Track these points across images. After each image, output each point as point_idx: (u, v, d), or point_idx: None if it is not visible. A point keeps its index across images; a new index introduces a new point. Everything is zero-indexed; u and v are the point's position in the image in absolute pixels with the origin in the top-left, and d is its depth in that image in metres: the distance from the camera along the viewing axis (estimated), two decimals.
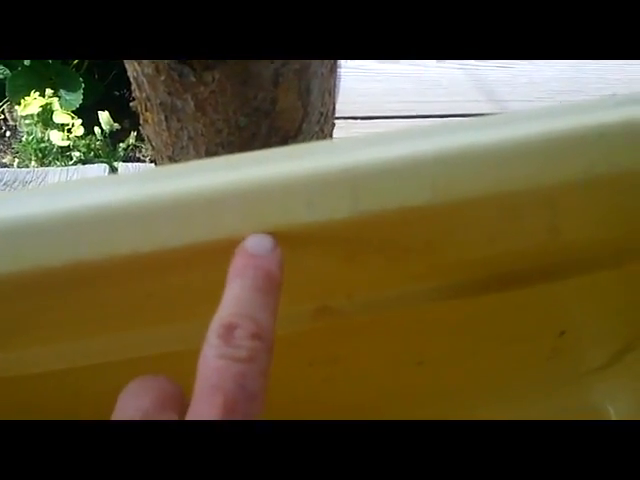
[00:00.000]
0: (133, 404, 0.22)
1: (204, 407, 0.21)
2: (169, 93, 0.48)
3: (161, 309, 0.30)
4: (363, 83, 1.51)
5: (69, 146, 1.49)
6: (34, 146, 1.49)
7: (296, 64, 0.48)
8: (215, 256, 0.27)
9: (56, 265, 0.25)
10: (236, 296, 0.24)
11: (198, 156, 0.52)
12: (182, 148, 0.53)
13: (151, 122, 0.54)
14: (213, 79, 0.46)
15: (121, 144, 1.53)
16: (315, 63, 0.50)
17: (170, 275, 0.28)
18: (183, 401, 0.23)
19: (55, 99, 1.50)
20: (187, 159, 0.52)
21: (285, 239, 0.27)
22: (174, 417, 0.22)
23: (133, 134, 1.51)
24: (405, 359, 0.40)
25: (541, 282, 0.35)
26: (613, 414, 0.49)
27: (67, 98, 1.53)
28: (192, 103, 0.48)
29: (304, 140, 0.53)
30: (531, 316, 0.39)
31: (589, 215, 0.31)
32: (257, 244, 0.25)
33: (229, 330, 0.22)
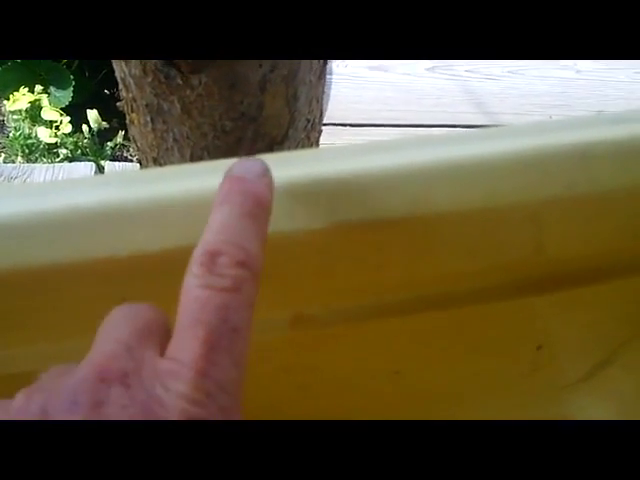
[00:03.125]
0: (113, 335, 0.21)
1: (186, 341, 0.20)
2: (155, 95, 0.48)
3: None
4: (354, 90, 1.51)
5: (56, 143, 1.48)
6: (21, 142, 1.49)
7: (284, 70, 0.48)
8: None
9: (32, 266, 0.25)
10: (222, 222, 0.22)
11: (183, 159, 0.52)
12: (167, 150, 0.53)
13: (137, 123, 0.53)
14: (200, 82, 0.46)
15: (109, 143, 1.52)
16: (303, 70, 0.50)
17: (146, 279, 0.27)
18: (166, 331, 0.22)
19: (44, 95, 1.49)
20: (172, 162, 0.52)
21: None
22: (155, 349, 0.21)
23: (121, 133, 1.51)
24: (382, 368, 0.40)
25: (520, 297, 0.35)
26: None
27: (56, 95, 1.52)
28: (178, 106, 0.48)
29: (290, 146, 0.53)
30: (508, 330, 0.39)
31: (571, 231, 0.31)
32: (246, 168, 0.24)
33: (213, 257, 0.21)
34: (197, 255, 0.21)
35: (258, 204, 0.23)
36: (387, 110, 1.48)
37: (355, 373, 0.39)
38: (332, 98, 1.45)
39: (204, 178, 0.26)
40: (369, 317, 0.34)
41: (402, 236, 0.29)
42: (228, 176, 0.23)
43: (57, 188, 0.26)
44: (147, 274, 0.27)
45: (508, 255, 0.31)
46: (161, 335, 0.21)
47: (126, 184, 0.26)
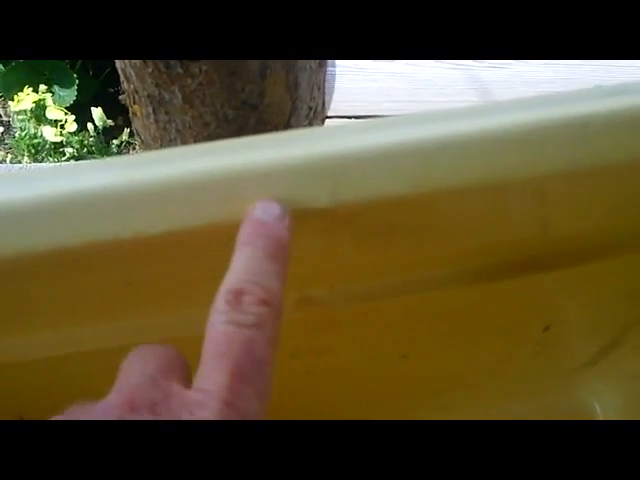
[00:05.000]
0: (139, 368, 0.22)
1: (212, 373, 0.21)
2: (157, 85, 0.48)
3: (140, 298, 0.30)
4: (358, 82, 1.50)
5: (62, 142, 1.48)
6: (27, 142, 1.49)
7: None
8: (194, 244, 0.26)
9: (34, 251, 0.25)
10: (245, 263, 0.24)
11: None
12: (170, 141, 0.53)
13: (139, 115, 0.53)
14: (200, 71, 0.46)
15: (114, 141, 1.52)
16: None
17: (150, 263, 0.27)
18: (187, 369, 0.23)
19: (49, 95, 1.49)
20: None
21: None
22: (178, 383, 0.21)
23: (126, 131, 1.50)
24: (390, 352, 0.39)
25: (526, 274, 0.35)
26: (599, 411, 0.49)
27: (61, 94, 1.52)
28: (180, 95, 0.48)
29: None
30: (516, 310, 0.39)
31: (576, 206, 0.31)
32: (266, 211, 0.25)
33: (237, 296, 0.22)
34: (222, 293, 0.22)
35: (278, 246, 0.24)
36: (392, 101, 1.47)
37: (362, 357, 0.39)
38: (336, 90, 1.45)
39: (206, 159, 0.26)
40: (374, 299, 0.34)
41: (406, 214, 0.28)
42: (249, 218, 0.25)
43: (58, 172, 0.26)
44: (150, 257, 0.27)
45: (512, 232, 0.31)
46: (183, 371, 0.22)
47: (127, 167, 0.26)
